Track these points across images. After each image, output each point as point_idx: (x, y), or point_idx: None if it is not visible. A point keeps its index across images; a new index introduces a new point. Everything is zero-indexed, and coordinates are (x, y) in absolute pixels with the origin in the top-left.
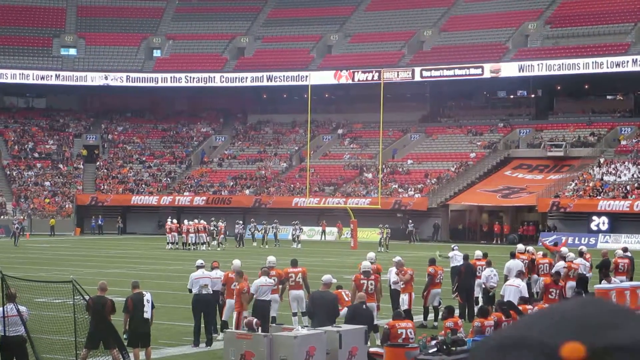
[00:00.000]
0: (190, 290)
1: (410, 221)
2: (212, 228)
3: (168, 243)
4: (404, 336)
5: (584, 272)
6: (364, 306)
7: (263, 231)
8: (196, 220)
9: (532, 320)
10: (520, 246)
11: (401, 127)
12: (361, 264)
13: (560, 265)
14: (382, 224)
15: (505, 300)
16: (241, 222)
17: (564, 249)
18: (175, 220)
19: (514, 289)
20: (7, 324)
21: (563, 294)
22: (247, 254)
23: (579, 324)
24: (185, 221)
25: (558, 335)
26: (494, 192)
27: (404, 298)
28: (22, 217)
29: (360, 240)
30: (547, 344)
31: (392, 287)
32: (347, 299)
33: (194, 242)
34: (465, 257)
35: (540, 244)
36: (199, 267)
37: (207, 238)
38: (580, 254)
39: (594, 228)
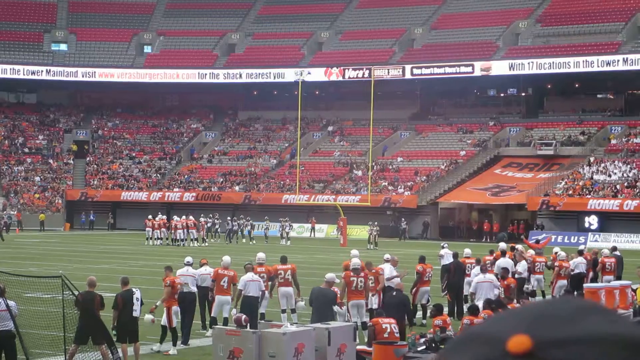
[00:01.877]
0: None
1: (403, 219)
2: (209, 224)
3: (147, 239)
4: (389, 330)
5: (582, 271)
6: (394, 293)
7: (250, 227)
8: (185, 217)
9: (493, 317)
10: (503, 245)
11: (391, 124)
12: (350, 261)
13: (523, 264)
14: (371, 221)
15: (476, 295)
16: (228, 218)
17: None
18: (160, 216)
19: (486, 285)
20: None
21: (507, 292)
22: (235, 250)
23: (534, 319)
24: (175, 217)
25: (508, 329)
26: (483, 190)
27: (372, 299)
28: (18, 213)
29: (349, 237)
30: (496, 337)
31: (386, 284)
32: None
33: (182, 238)
34: (455, 255)
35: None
36: (186, 265)
37: (197, 234)
38: (580, 253)
39: (586, 227)
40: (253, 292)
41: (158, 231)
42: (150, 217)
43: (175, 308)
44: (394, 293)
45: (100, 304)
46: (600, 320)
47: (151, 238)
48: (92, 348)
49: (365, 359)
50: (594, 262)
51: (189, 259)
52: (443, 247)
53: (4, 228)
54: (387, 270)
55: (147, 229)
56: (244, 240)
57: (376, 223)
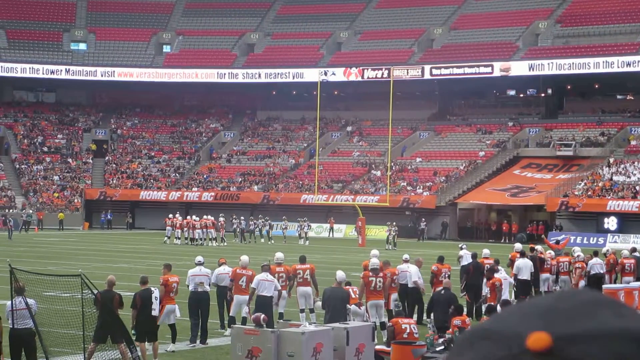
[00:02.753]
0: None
1: (423, 219)
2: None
3: (167, 237)
4: (408, 331)
5: (599, 271)
6: (442, 291)
7: (268, 227)
8: (205, 216)
9: (504, 313)
10: (518, 245)
11: (410, 125)
12: (369, 261)
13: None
14: (390, 221)
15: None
16: (242, 217)
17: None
18: (178, 216)
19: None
20: (16, 317)
21: (493, 291)
22: (254, 250)
23: (549, 315)
24: (194, 217)
25: (525, 325)
26: (502, 191)
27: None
28: (39, 212)
29: (368, 237)
30: (514, 334)
31: (411, 286)
32: (354, 295)
33: (201, 237)
34: (474, 256)
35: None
36: (197, 264)
37: (216, 233)
38: (595, 254)
39: (605, 228)
40: (267, 292)
41: (179, 230)
42: (170, 215)
43: (171, 307)
44: (442, 291)
45: (120, 303)
46: (612, 314)
47: (171, 237)
48: (111, 347)
49: (384, 359)
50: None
51: (199, 258)
52: (462, 248)
53: (23, 227)
54: (414, 271)
55: (167, 227)
56: (262, 240)
57: (395, 223)
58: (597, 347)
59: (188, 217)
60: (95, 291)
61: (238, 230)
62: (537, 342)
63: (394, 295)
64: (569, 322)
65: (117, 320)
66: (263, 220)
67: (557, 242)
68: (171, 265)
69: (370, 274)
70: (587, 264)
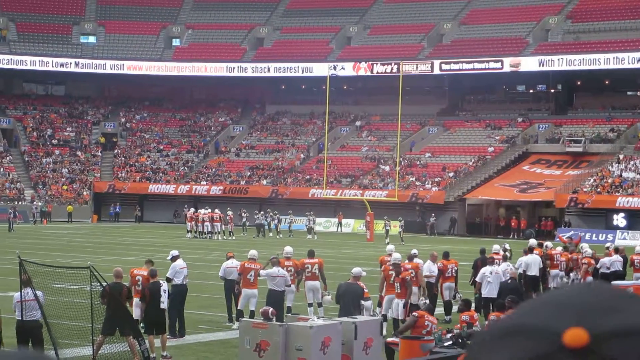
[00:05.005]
0: (169, 280)
1: (433, 215)
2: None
3: (188, 232)
4: (428, 328)
5: (620, 269)
6: (509, 280)
7: (277, 221)
8: (211, 210)
9: (531, 307)
10: (533, 241)
11: (419, 120)
12: (386, 256)
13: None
14: (396, 216)
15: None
16: (262, 212)
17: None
18: (192, 209)
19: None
20: (25, 309)
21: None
22: (262, 244)
23: (580, 309)
24: (201, 210)
25: (559, 321)
26: (511, 187)
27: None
28: (49, 204)
29: (376, 232)
30: (549, 330)
31: (426, 280)
32: (365, 290)
33: (209, 231)
34: (482, 251)
35: (558, 239)
36: (175, 258)
37: (223, 227)
38: (617, 251)
39: (614, 224)
40: (279, 287)
41: (190, 224)
42: (192, 210)
43: (136, 300)
44: (509, 280)
45: (127, 294)
46: None
47: (189, 231)
48: (119, 339)
49: (395, 351)
50: (624, 260)
51: (174, 252)
52: (505, 250)
53: (38, 219)
54: (426, 265)
55: (189, 222)
56: (270, 234)
57: (400, 218)
58: (633, 343)
59: (199, 211)
60: (105, 283)
61: (250, 224)
62: (575, 339)
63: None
64: (603, 318)
65: (126, 313)
66: (272, 214)
67: (570, 238)
68: (152, 260)
69: (391, 268)
70: (606, 261)
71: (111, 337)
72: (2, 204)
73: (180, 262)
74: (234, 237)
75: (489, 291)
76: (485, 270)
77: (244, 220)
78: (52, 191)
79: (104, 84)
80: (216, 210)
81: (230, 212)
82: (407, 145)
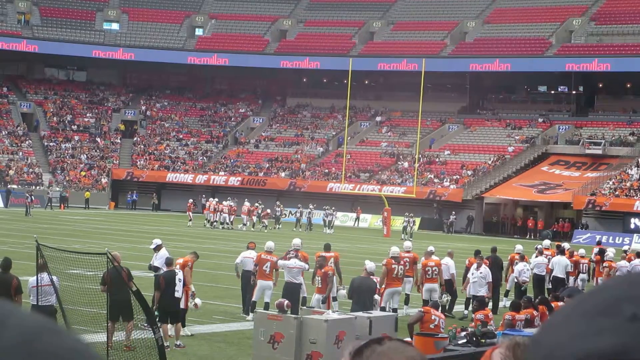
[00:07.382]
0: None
1: (453, 212)
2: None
3: (207, 221)
4: (436, 323)
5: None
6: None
7: (298, 214)
8: (229, 201)
9: (614, 288)
10: (547, 242)
11: (440, 117)
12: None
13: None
14: (407, 212)
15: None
16: (278, 202)
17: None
18: (211, 199)
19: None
20: (40, 294)
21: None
22: (276, 236)
23: None
24: (217, 200)
25: None
26: (529, 187)
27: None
28: (67, 190)
29: (393, 228)
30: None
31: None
32: (378, 286)
33: (228, 221)
34: (493, 250)
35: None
36: (158, 247)
37: (232, 218)
38: (638, 255)
39: (632, 228)
40: (296, 279)
41: (212, 214)
42: (214, 200)
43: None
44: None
45: (128, 276)
46: None
47: (217, 221)
48: (123, 326)
49: None
50: None
51: (157, 240)
52: (537, 249)
53: (53, 204)
54: (450, 262)
55: (211, 213)
56: (327, 230)
57: (411, 214)
58: None
59: (215, 200)
60: (121, 269)
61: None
62: None
63: (429, 286)
64: None
65: (127, 298)
66: (328, 209)
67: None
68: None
69: (393, 261)
70: (627, 265)
71: (122, 323)
72: (20, 188)
73: (164, 252)
74: (253, 228)
75: (474, 289)
76: (473, 269)
77: (277, 213)
78: (70, 177)
79: (125, 71)
80: (230, 202)
81: (247, 204)
82: (427, 142)
